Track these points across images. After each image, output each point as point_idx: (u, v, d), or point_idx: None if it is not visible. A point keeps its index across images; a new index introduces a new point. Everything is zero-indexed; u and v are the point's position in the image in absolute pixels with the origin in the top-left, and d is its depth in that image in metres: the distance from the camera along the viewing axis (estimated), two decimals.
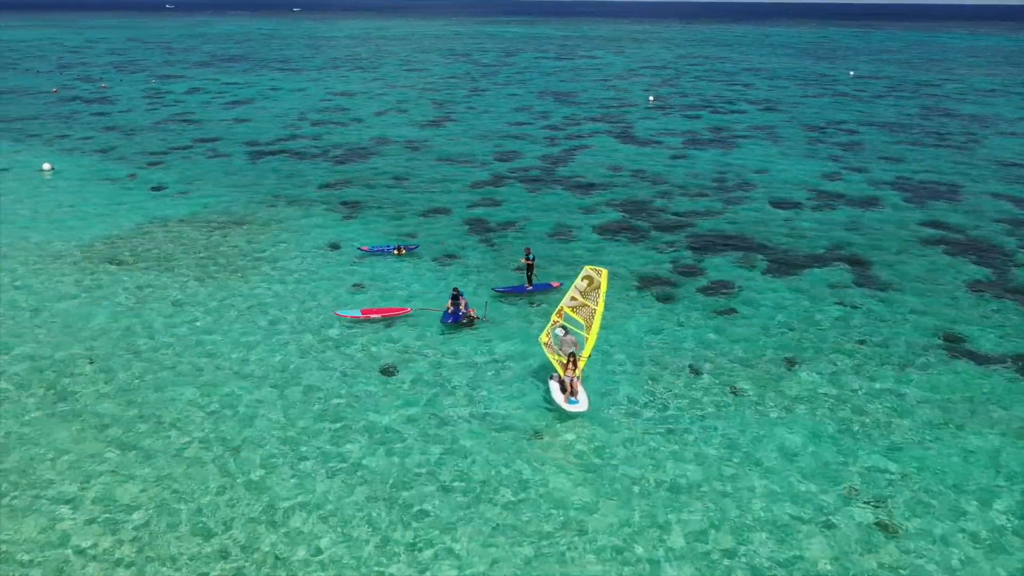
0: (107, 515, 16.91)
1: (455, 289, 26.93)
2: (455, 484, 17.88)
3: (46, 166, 48.76)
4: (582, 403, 20.73)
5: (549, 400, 21.30)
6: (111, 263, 32.24)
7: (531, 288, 29.29)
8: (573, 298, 22.60)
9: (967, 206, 41.01)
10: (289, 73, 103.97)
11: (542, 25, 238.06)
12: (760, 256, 33.45)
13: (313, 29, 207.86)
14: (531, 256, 29.38)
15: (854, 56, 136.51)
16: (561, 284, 29.85)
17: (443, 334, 25.71)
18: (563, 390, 21.07)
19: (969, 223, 37.99)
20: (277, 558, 15.64)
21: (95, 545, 15.98)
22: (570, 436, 19.92)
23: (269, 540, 16.14)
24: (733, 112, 72.64)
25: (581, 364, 21.39)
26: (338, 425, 20.31)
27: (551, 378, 21.75)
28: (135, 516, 16.86)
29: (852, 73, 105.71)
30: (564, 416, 20.68)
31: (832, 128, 64.10)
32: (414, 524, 16.52)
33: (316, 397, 21.77)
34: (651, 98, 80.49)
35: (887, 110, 73.93)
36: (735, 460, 19.00)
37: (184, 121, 66.87)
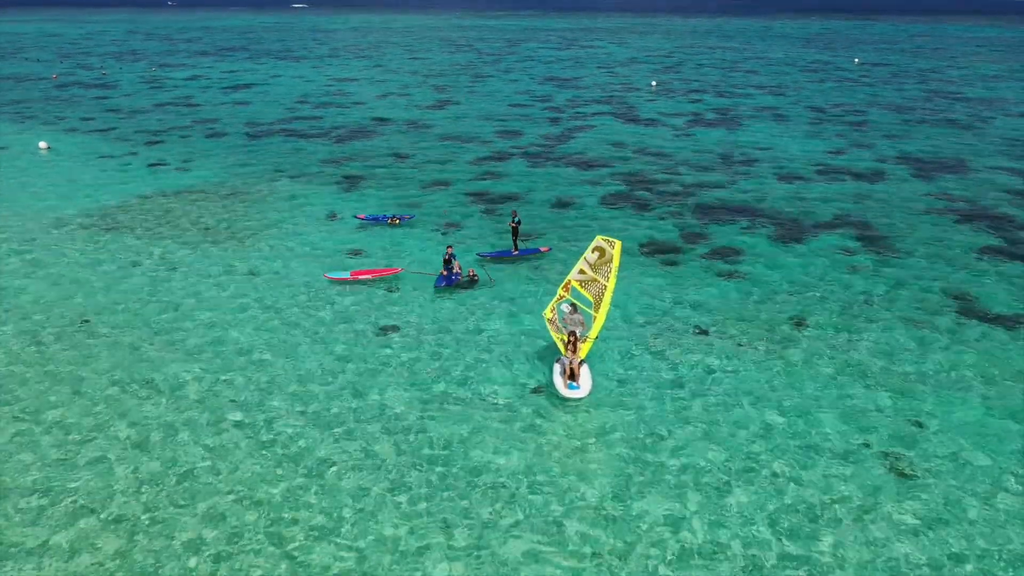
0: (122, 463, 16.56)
1: (448, 249, 26.28)
2: (429, 472, 16.36)
3: (42, 144, 48.37)
4: (583, 388, 18.85)
5: (549, 382, 19.61)
6: (107, 231, 31.86)
7: (517, 253, 28.71)
8: (582, 271, 20.57)
9: (974, 179, 40.50)
10: (291, 62, 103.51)
11: (543, 18, 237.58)
12: (767, 224, 32.99)
13: (315, 23, 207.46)
14: (517, 219, 28.78)
15: (857, 45, 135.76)
16: (550, 249, 29.32)
17: (438, 300, 25.05)
18: (563, 372, 19.22)
19: (977, 194, 37.49)
20: (248, 525, 15.25)
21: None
22: (565, 422, 18.08)
23: (241, 505, 15.75)
24: (737, 96, 72.07)
25: (586, 347, 19.55)
26: (325, 391, 19.72)
27: (557, 360, 19.89)
28: (150, 468, 16.52)
29: (857, 61, 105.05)
30: (561, 402, 18.84)
31: (837, 110, 63.54)
32: (392, 509, 15.20)
33: (304, 361, 21.36)
34: (653, 83, 79.94)
35: (892, 94, 73.32)
36: (746, 417, 18.61)
37: (184, 105, 66.44)
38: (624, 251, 28.24)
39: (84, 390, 19.34)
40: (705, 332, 22.71)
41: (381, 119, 59.00)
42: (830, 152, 47.10)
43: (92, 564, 13.71)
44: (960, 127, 55.59)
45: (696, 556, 13.99)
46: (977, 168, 42.93)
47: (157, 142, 50.23)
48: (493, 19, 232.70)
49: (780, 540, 14.35)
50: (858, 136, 52.04)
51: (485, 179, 40.77)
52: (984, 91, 74.84)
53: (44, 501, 15.29)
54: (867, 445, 17.16)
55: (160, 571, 13.53)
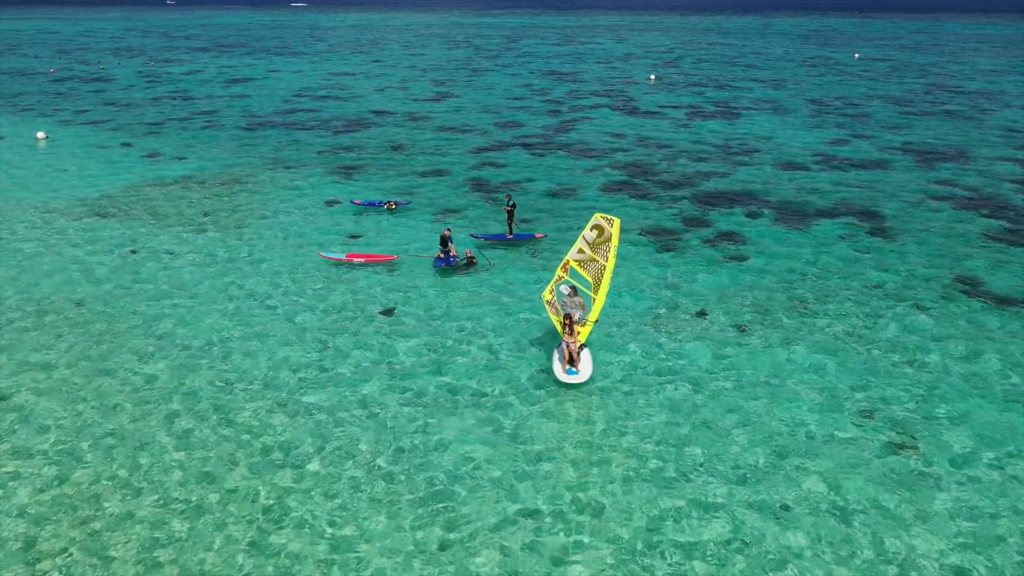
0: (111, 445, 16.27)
1: (447, 231, 26.03)
2: (420, 457, 15.62)
3: (40, 135, 48.07)
4: (583, 373, 18.17)
5: (548, 367, 18.99)
6: (100, 218, 31.58)
7: (512, 237, 28.45)
8: (580, 251, 19.74)
9: (977, 167, 40.20)
10: (289, 57, 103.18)
11: (541, 16, 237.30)
12: (768, 210, 32.71)
13: (314, 20, 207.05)
14: (512, 202, 28.50)
15: (857, 42, 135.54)
16: (545, 235, 28.99)
17: (435, 284, 24.71)
18: (563, 358, 18.47)
19: (979, 182, 37.19)
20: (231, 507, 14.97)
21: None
22: (564, 408, 17.33)
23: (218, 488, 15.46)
24: (737, 89, 71.77)
25: (586, 330, 18.89)
26: (314, 376, 19.30)
27: (557, 348, 19.34)
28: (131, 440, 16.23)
29: (857, 56, 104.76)
30: (560, 387, 18.23)
31: (838, 102, 63.23)
32: (380, 498, 14.47)
33: (293, 345, 21.04)
34: (652, 77, 79.64)
35: (893, 87, 73.03)
36: (747, 401, 18.35)
37: (182, 98, 66.09)
38: (625, 238, 28.04)
39: (62, 375, 19.04)
40: (706, 315, 22.42)
41: (380, 111, 58.68)
42: (831, 142, 46.81)
43: (55, 554, 13.32)
44: (962, 118, 55.30)
45: (693, 547, 13.69)
46: (980, 157, 42.64)
47: (154, 133, 49.91)
48: (491, 17, 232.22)
49: (781, 526, 14.07)
50: (860, 127, 51.75)
51: (484, 168, 40.47)
52: (985, 84, 74.55)
53: (9, 488, 14.98)
54: (873, 428, 16.87)
55: (126, 559, 13.14)
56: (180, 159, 42.46)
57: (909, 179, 37.85)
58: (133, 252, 27.56)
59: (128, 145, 46.23)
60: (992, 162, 41.53)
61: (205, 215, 31.79)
